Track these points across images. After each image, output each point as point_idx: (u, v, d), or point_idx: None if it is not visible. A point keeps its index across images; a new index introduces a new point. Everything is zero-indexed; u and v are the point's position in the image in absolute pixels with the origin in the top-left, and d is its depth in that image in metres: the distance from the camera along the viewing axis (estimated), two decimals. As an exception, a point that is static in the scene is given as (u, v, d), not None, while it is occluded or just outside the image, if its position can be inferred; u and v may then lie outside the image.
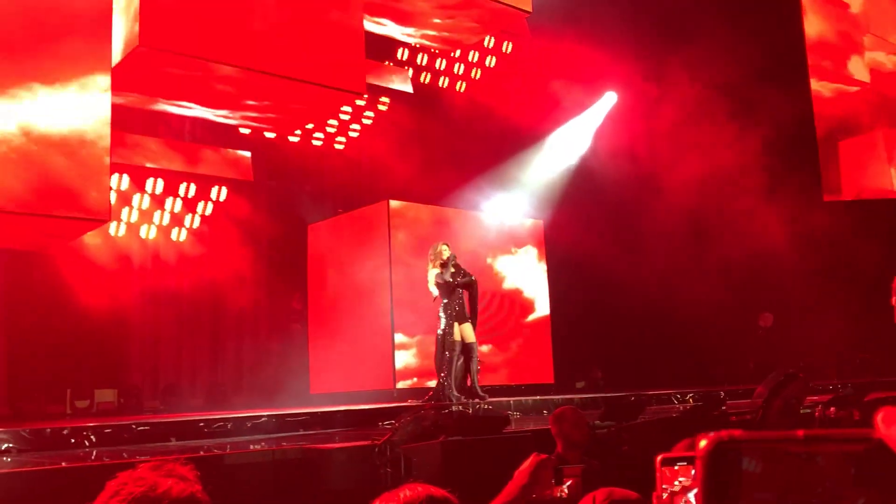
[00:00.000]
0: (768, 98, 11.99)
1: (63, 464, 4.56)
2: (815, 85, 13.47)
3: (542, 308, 12.19)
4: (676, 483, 1.43)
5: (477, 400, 8.49)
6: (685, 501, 1.42)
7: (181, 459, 1.51)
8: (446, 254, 8.89)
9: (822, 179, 13.41)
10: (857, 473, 0.40)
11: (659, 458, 1.44)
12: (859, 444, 0.40)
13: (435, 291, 8.91)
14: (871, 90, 13.68)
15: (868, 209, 13.36)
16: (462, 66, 14.20)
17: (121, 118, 10.32)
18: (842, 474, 0.40)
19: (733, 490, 0.41)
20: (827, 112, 13.55)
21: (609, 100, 14.95)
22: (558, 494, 2.42)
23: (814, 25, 13.40)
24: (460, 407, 7.67)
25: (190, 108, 11.00)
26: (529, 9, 10.36)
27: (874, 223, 12.80)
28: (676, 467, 1.44)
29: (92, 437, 5.76)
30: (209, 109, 11.03)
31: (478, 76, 14.24)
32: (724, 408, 6.83)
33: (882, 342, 10.93)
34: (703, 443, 0.42)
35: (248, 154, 13.50)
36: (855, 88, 13.64)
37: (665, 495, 1.42)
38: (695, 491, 1.39)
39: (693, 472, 1.42)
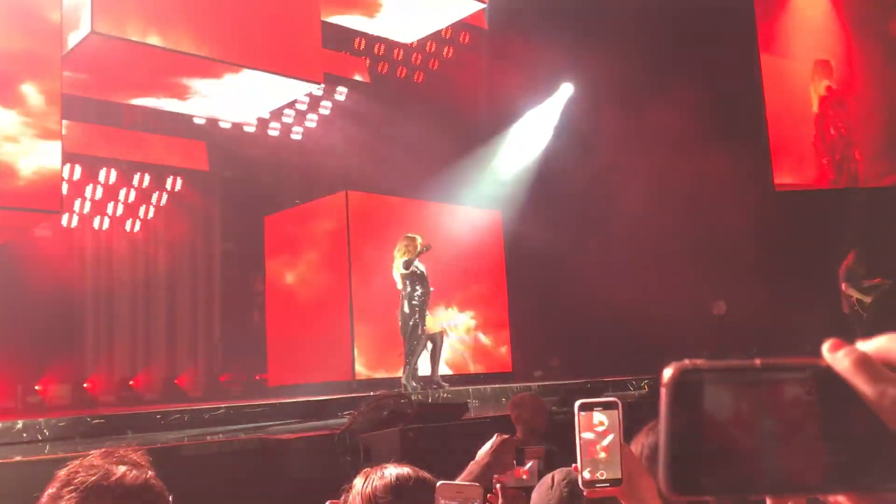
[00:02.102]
0: (720, 84, 12.19)
1: (17, 458, 4.49)
2: (767, 72, 13.76)
3: (501, 298, 12.27)
4: (592, 431, 1.39)
5: (435, 387, 8.54)
6: (601, 448, 1.36)
7: (132, 445, 1.49)
8: (411, 245, 8.90)
9: (772, 168, 13.70)
10: (808, 397, 0.43)
11: (577, 403, 1.39)
12: (810, 369, 0.43)
13: (400, 282, 8.92)
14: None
15: (819, 198, 13.67)
16: (420, 57, 14.17)
17: (72, 107, 10.14)
18: (798, 399, 0.43)
19: (696, 418, 0.43)
20: (777, 99, 13.84)
21: (566, 91, 15.06)
22: (520, 475, 2.45)
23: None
24: (419, 396, 7.70)
25: (143, 97, 10.85)
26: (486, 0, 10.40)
27: (823, 211, 13.10)
28: (594, 414, 1.38)
29: (45, 431, 5.67)
30: (163, 98, 10.89)
31: (436, 67, 14.23)
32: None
33: (831, 329, 11.20)
34: (666, 372, 0.44)
35: (203, 144, 13.34)
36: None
37: (583, 445, 1.37)
38: (611, 437, 1.36)
39: (606, 419, 1.37)
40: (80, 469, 1.30)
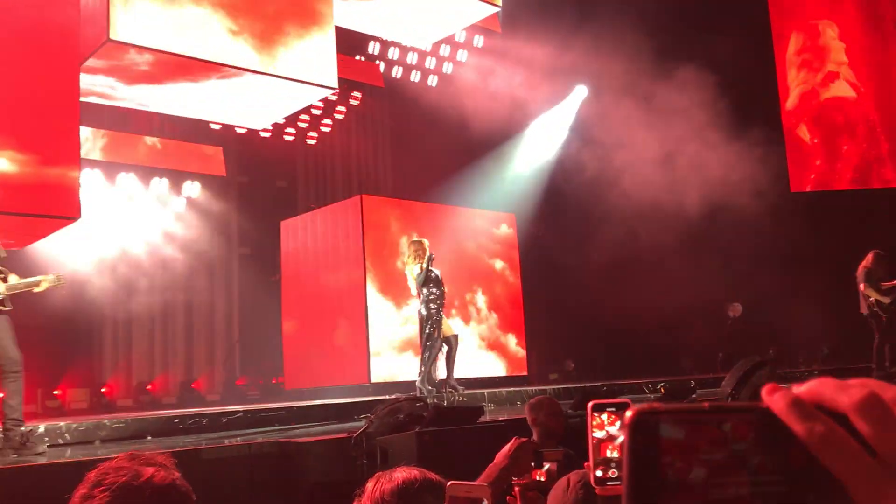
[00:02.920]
0: (738, 87, 12.16)
1: (41, 461, 4.55)
2: (782, 69, 13.71)
3: (516, 301, 12.27)
4: (605, 431, 1.43)
5: (451, 390, 8.55)
6: (613, 447, 1.40)
7: (158, 448, 1.54)
8: (422, 250, 8.92)
9: (789, 171, 13.63)
10: (751, 435, 0.48)
11: (590, 403, 1.43)
12: (752, 413, 0.48)
13: (415, 287, 8.92)
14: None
15: (834, 200, 13.60)
16: (434, 61, 14.21)
17: (90, 114, 10.25)
18: (742, 437, 0.48)
19: (653, 456, 0.48)
20: (796, 101, 13.77)
21: (580, 93, 15.06)
22: (537, 477, 2.46)
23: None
24: (435, 399, 7.72)
25: (159, 103, 10.93)
26: (499, 3, 10.42)
27: (840, 214, 13.03)
28: (606, 415, 1.41)
29: (66, 435, 5.74)
30: (179, 105, 10.97)
31: (450, 70, 14.26)
32: (693, 396, 6.94)
33: (848, 329, 11.14)
34: (627, 414, 0.48)
35: (219, 149, 13.44)
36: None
37: (595, 443, 1.40)
38: (622, 437, 1.41)
39: (619, 420, 1.40)
40: (109, 470, 1.34)
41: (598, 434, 1.40)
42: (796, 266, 12.09)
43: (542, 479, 2.29)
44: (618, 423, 1.40)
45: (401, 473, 1.66)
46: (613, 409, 1.42)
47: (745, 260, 12.52)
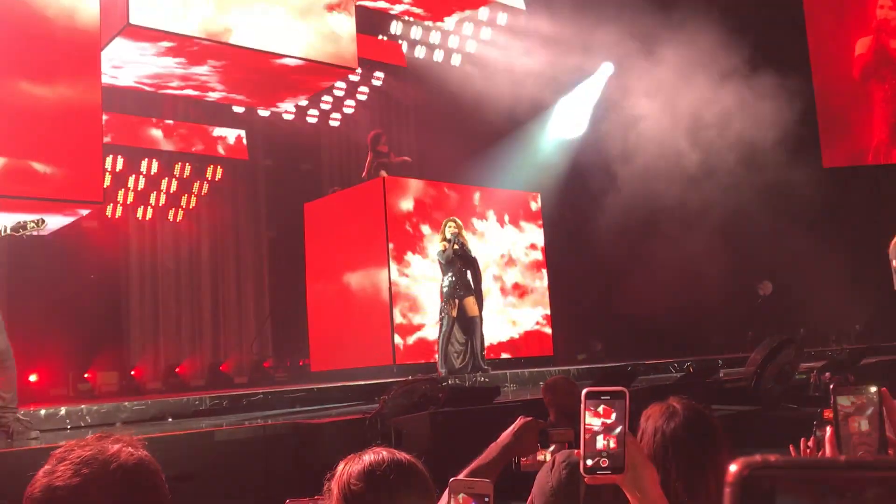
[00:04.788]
0: (767, 62, 11.89)
1: (62, 443, 4.57)
2: (816, 53, 13.39)
3: (541, 281, 12.17)
4: (598, 420, 1.38)
5: (476, 371, 8.53)
6: (607, 437, 1.35)
7: (130, 431, 1.51)
8: (449, 229, 8.92)
9: (821, 146, 13.34)
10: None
11: (584, 391, 1.37)
12: None
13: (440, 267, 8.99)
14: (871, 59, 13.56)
15: (867, 175, 13.30)
16: (457, 40, 14.07)
17: (112, 99, 10.29)
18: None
19: None
20: (827, 85, 13.46)
21: (606, 71, 14.83)
22: (541, 458, 2.40)
23: None
24: (454, 380, 7.69)
25: (181, 87, 10.95)
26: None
27: (873, 189, 12.74)
28: (601, 403, 1.36)
29: (87, 417, 5.79)
30: (200, 88, 10.99)
31: (473, 49, 14.12)
32: (719, 375, 6.82)
33: (881, 307, 10.91)
34: (732, 468, 0.36)
35: (242, 133, 13.46)
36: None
37: (588, 435, 1.36)
38: (617, 427, 1.35)
39: (613, 409, 1.36)
40: (74, 447, 1.32)
41: (592, 423, 1.36)
42: (827, 243, 11.84)
43: (545, 460, 2.23)
44: (613, 415, 1.36)
45: (369, 456, 1.59)
46: (608, 398, 1.38)
47: (775, 236, 12.28)
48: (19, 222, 4.75)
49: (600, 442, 1.36)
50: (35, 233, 4.73)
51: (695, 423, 1.96)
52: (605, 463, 1.36)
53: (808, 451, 2.41)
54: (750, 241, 12.42)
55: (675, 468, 1.90)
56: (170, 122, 12.83)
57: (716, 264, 12.28)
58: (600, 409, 1.36)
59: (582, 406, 1.37)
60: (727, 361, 9.23)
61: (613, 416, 1.36)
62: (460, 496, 1.38)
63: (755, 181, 12.19)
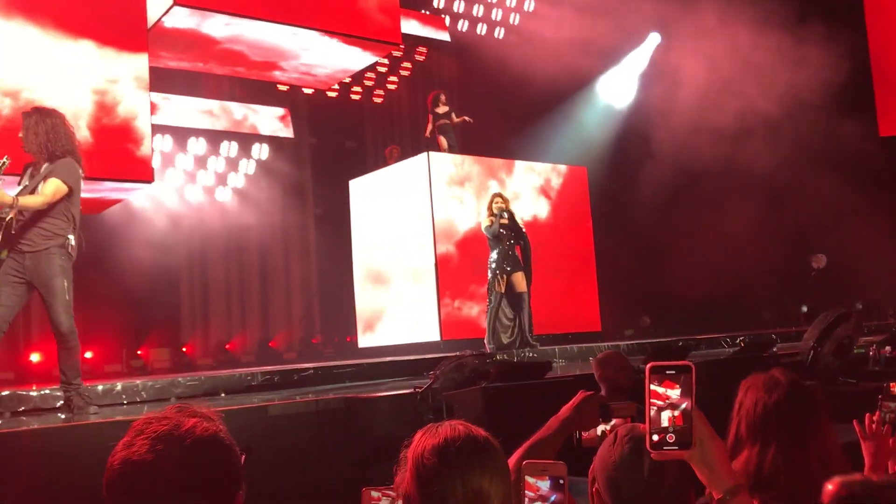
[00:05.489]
0: (823, 32, 11.53)
1: (118, 417, 4.67)
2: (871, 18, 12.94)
3: (588, 256, 12.06)
4: (663, 396, 1.33)
5: (525, 347, 8.50)
6: (673, 413, 1.33)
7: (206, 402, 1.51)
8: (496, 205, 8.87)
9: (878, 114, 12.94)
10: None
11: (648, 365, 1.34)
12: None
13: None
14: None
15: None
16: (500, 13, 13.92)
17: (160, 79, 10.39)
18: None
19: None
20: (884, 45, 13.01)
21: (653, 41, 14.56)
22: (599, 433, 2.36)
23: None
24: (503, 355, 7.67)
25: (227, 66, 11.01)
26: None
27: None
28: (667, 378, 1.33)
29: (143, 393, 5.89)
30: (246, 67, 11.03)
31: (516, 22, 13.96)
32: (774, 350, 6.69)
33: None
34: (829, 487, 0.34)
35: (287, 110, 13.52)
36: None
37: (654, 410, 1.33)
38: (683, 403, 1.33)
39: (679, 384, 1.33)
40: (153, 420, 1.34)
41: (658, 399, 1.34)
42: (883, 214, 11.51)
43: (606, 434, 2.19)
44: (678, 390, 1.33)
45: (445, 429, 1.56)
46: (673, 373, 1.34)
47: (830, 208, 11.99)
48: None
49: (666, 417, 1.34)
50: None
51: (797, 396, 1.95)
52: (671, 438, 1.34)
53: (874, 425, 2.35)
54: (803, 213, 12.14)
55: (777, 440, 1.88)
56: (216, 100, 12.92)
57: (766, 237, 12.05)
58: (665, 384, 1.34)
59: (647, 381, 1.35)
60: (780, 336, 9.05)
61: (678, 390, 1.34)
62: (534, 479, 1.36)
63: (808, 151, 11.89)
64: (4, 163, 4.52)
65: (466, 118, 11.33)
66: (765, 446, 1.87)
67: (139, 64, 8.88)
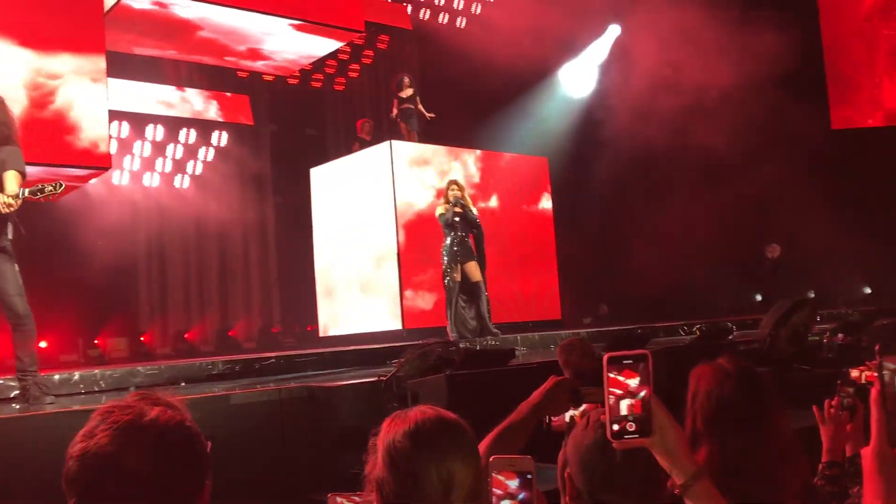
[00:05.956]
0: (776, 25, 11.73)
1: (76, 407, 4.60)
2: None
3: (549, 246, 12.14)
4: (621, 384, 1.35)
5: (489, 337, 8.53)
6: (631, 401, 1.34)
7: (170, 391, 1.47)
8: (451, 192, 8.85)
9: (830, 108, 13.21)
10: None
11: (605, 356, 1.36)
12: None
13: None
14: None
15: (876, 136, 13.18)
16: (461, 2, 13.90)
17: (116, 64, 10.19)
18: None
19: None
20: (835, 39, 13.28)
21: (613, 33, 14.67)
22: (567, 419, 2.38)
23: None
24: (467, 343, 7.70)
25: (185, 52, 10.85)
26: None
27: (882, 149, 12.64)
28: (624, 367, 1.35)
29: (101, 382, 5.81)
30: (205, 53, 10.88)
31: (478, 11, 13.95)
32: (731, 337, 6.82)
33: (891, 269, 10.89)
34: None
35: (247, 97, 13.37)
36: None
37: (612, 399, 1.35)
38: (642, 391, 1.34)
39: (637, 372, 1.35)
40: (114, 409, 1.28)
41: (616, 388, 1.35)
42: (836, 205, 11.77)
43: (576, 419, 2.21)
44: (637, 378, 1.35)
45: (415, 414, 1.57)
46: (630, 362, 1.36)
47: (783, 199, 12.22)
48: (38, 186, 4.75)
49: (625, 406, 1.35)
50: (52, 197, 4.75)
51: (749, 385, 1.94)
52: (631, 427, 1.35)
53: (832, 410, 2.41)
54: (757, 203, 12.35)
55: (732, 430, 1.89)
56: (174, 87, 12.73)
57: (721, 226, 12.24)
58: (623, 373, 1.35)
59: (605, 371, 1.36)
60: (736, 324, 9.21)
61: (637, 379, 1.35)
62: (501, 475, 1.35)
63: (761, 141, 12.11)
64: (60, 185, 4.56)
65: (432, 115, 11.36)
66: (723, 440, 1.87)
67: (96, 48, 8.71)
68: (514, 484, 1.33)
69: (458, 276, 8.75)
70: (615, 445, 1.37)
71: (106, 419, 1.26)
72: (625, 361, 1.35)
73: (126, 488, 1.21)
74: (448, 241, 8.80)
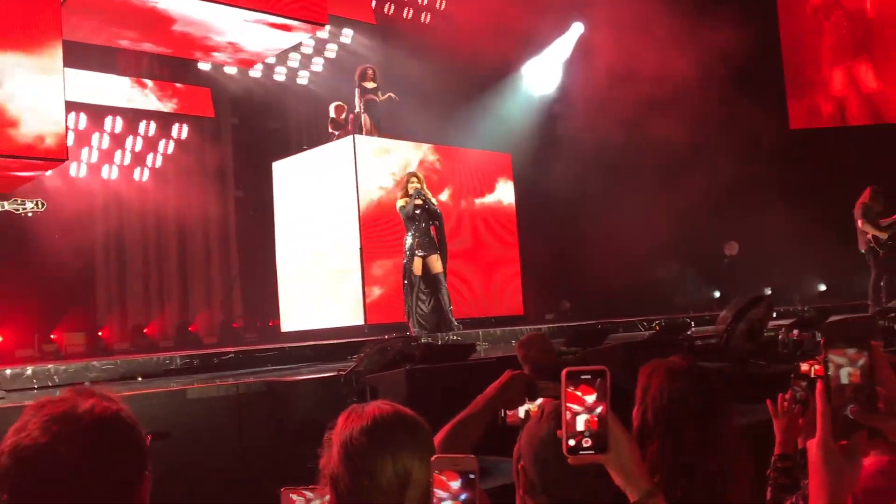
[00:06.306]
0: (735, 21, 11.89)
1: (27, 402, 4.52)
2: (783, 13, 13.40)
3: (512, 242, 12.19)
4: (579, 400, 1.34)
5: (446, 330, 8.51)
6: (588, 417, 1.34)
7: (112, 388, 1.45)
8: (411, 185, 8.81)
9: (788, 107, 13.43)
10: None
11: (564, 371, 1.35)
12: None
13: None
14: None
15: (834, 135, 13.43)
16: (427, -4, 13.87)
17: (74, 54, 10.00)
18: None
19: None
20: (792, 33, 13.49)
21: (576, 31, 14.75)
22: (522, 416, 2.39)
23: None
24: (428, 338, 7.68)
25: (145, 43, 10.69)
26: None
27: (839, 149, 12.88)
28: (582, 384, 1.35)
29: (55, 377, 5.71)
30: (165, 45, 10.73)
31: (442, 7, 13.93)
32: (689, 333, 6.91)
33: (846, 266, 11.10)
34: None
35: (208, 90, 13.21)
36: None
37: (569, 415, 1.35)
38: (598, 407, 1.34)
39: (594, 389, 1.35)
40: (47, 402, 1.25)
41: (573, 404, 1.35)
42: (793, 204, 11.97)
43: (531, 413, 2.22)
44: (594, 395, 1.35)
45: (372, 409, 1.55)
46: (588, 377, 1.36)
47: (741, 198, 12.40)
48: (17, 200, 4.63)
49: (582, 422, 1.35)
50: (32, 214, 4.62)
51: (700, 383, 1.97)
52: (587, 443, 1.35)
53: (786, 403, 2.45)
54: (716, 202, 12.52)
55: (685, 428, 1.91)
56: (134, 78, 12.54)
57: (682, 225, 12.38)
58: (580, 388, 1.35)
59: (563, 386, 1.35)
60: (694, 320, 9.34)
61: (594, 395, 1.35)
62: (444, 475, 1.30)
63: (722, 142, 12.27)
64: (41, 203, 4.43)
65: (392, 95, 11.25)
66: (676, 434, 1.90)
67: (52, 37, 8.53)
68: (456, 484, 1.29)
69: (417, 271, 8.72)
70: (570, 461, 1.37)
71: (38, 413, 1.23)
72: (582, 377, 1.35)
73: (60, 481, 1.19)
74: (410, 234, 8.76)
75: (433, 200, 8.97)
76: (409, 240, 8.77)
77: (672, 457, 1.91)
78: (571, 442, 1.35)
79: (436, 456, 1.34)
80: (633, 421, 2.00)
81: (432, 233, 8.90)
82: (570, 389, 1.35)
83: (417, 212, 8.68)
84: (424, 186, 8.90)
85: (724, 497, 1.86)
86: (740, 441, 1.98)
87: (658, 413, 1.94)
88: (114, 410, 1.27)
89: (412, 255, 8.71)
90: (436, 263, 8.80)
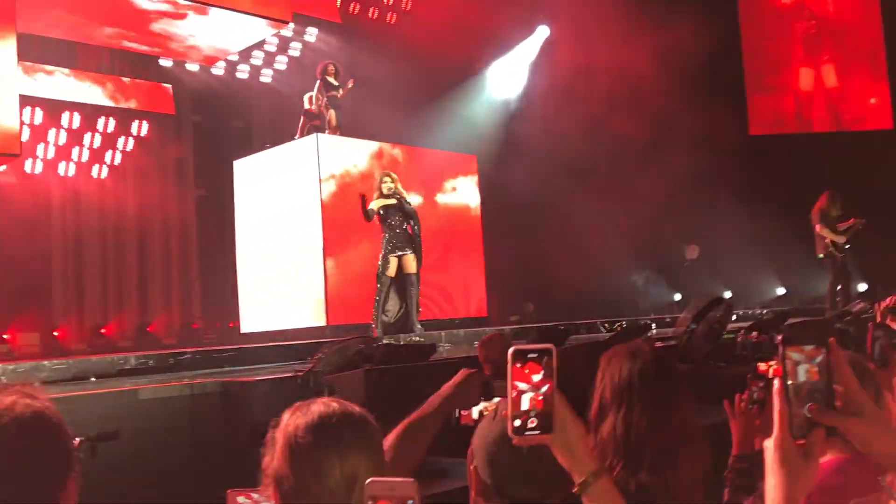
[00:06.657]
0: (696, 30, 12.00)
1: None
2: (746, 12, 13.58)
3: (476, 244, 12.16)
4: (526, 380, 1.29)
5: (414, 333, 8.46)
6: (534, 396, 1.29)
7: (35, 385, 1.37)
8: (385, 184, 8.76)
9: (748, 110, 13.60)
10: None
11: (510, 350, 1.31)
12: None
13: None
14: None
15: (792, 141, 13.62)
16: (391, -4, 13.82)
17: (30, 47, 9.80)
18: None
19: None
20: (755, 45, 13.67)
21: (542, 34, 14.80)
22: (476, 416, 2.34)
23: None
24: (389, 339, 7.63)
25: (105, 37, 10.51)
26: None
27: (797, 154, 13.06)
28: (528, 362, 1.30)
29: (3, 378, 5.54)
30: (126, 39, 10.56)
31: (408, 7, 13.89)
32: (649, 334, 6.93)
33: (805, 271, 11.25)
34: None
35: (169, 87, 13.02)
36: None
37: (515, 394, 1.30)
38: (544, 386, 1.30)
39: (541, 367, 1.30)
40: None
41: (520, 383, 1.29)
42: (753, 209, 12.12)
43: (486, 412, 2.18)
44: (541, 373, 1.30)
45: (318, 406, 1.49)
46: (535, 356, 1.31)
47: (702, 203, 12.51)
48: None
49: (527, 401, 1.30)
50: None
51: (660, 363, 1.97)
52: (532, 423, 1.31)
53: (743, 404, 2.44)
54: (678, 206, 12.62)
55: (641, 405, 1.90)
56: (93, 73, 12.31)
57: (644, 228, 12.47)
58: (527, 366, 1.31)
59: (509, 364, 1.31)
60: (654, 322, 9.40)
61: (541, 374, 1.30)
62: (378, 503, 1.17)
63: (683, 146, 12.36)
64: None
65: (351, 82, 11.09)
66: (630, 410, 1.90)
67: (6, 29, 8.34)
68: None
69: (391, 272, 8.67)
70: (515, 441, 1.32)
71: None
72: (529, 355, 1.30)
73: None
74: (387, 235, 8.72)
75: (409, 200, 8.95)
76: (386, 240, 8.73)
77: (624, 433, 1.90)
78: (517, 422, 1.30)
79: (371, 480, 1.19)
80: (591, 402, 1.99)
81: (409, 231, 8.87)
82: (517, 366, 1.30)
83: (392, 211, 8.64)
84: (399, 186, 8.86)
85: (675, 478, 1.85)
86: (698, 429, 1.97)
87: (615, 390, 1.94)
88: (36, 409, 1.21)
89: (386, 255, 8.67)
90: (411, 263, 8.78)
